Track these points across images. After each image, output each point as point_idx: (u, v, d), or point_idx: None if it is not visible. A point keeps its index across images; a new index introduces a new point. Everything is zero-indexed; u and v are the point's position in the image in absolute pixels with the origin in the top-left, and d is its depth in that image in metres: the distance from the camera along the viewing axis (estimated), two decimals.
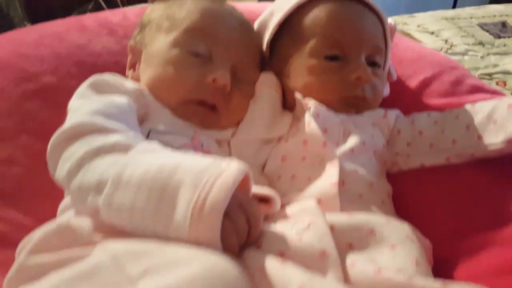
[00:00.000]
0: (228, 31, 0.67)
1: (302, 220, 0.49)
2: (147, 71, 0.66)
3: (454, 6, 2.90)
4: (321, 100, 0.65)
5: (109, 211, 0.42)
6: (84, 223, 0.46)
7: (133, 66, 0.72)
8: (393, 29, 0.75)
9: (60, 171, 0.49)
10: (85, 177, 0.45)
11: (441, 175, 0.66)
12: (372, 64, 0.69)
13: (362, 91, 0.67)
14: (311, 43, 0.67)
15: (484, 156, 0.63)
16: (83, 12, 2.34)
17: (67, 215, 0.52)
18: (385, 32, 0.73)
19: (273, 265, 0.40)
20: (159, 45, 0.66)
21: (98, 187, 0.43)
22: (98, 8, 1.96)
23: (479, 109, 0.64)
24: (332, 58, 0.67)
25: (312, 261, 0.43)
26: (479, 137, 0.61)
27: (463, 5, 2.23)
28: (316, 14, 0.69)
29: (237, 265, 0.37)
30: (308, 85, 0.67)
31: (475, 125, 0.62)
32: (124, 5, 1.95)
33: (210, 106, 0.64)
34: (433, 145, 0.66)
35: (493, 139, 0.60)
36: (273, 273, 0.40)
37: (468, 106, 0.66)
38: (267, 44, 0.74)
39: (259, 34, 0.75)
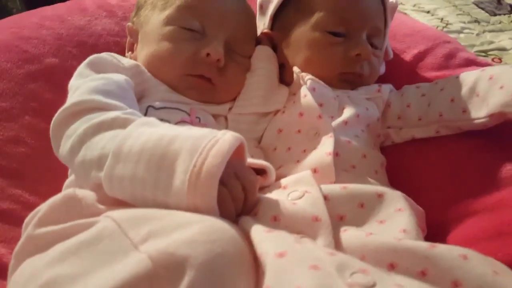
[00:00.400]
0: (221, 6, 0.68)
1: (297, 189, 0.50)
2: (144, 49, 0.68)
3: None
4: (319, 75, 0.67)
5: (111, 183, 0.43)
6: (89, 194, 0.47)
7: (131, 48, 0.74)
8: (395, 7, 0.76)
9: (63, 148, 0.50)
10: (87, 152, 0.47)
11: (432, 145, 0.68)
12: (371, 45, 0.70)
13: (361, 68, 0.69)
14: (317, 16, 0.69)
15: (470, 129, 0.64)
16: None
17: (72, 188, 0.53)
18: (385, 12, 0.74)
19: (257, 232, 0.40)
20: (154, 23, 0.67)
21: (100, 161, 0.45)
22: None
23: (463, 81, 0.65)
24: (336, 34, 0.68)
25: (304, 226, 0.44)
26: (464, 110, 0.63)
27: None
28: None
29: (234, 226, 0.38)
30: (309, 58, 0.69)
31: (460, 98, 0.64)
32: None
33: (206, 80, 0.65)
34: (421, 118, 0.68)
35: (477, 113, 0.61)
36: (257, 240, 0.39)
37: (452, 78, 0.67)
38: (270, 16, 0.75)
39: (250, 7, 0.75)
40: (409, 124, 0.69)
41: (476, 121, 0.61)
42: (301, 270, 0.33)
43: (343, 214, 0.48)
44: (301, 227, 0.44)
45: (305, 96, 0.63)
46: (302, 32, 0.70)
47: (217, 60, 0.64)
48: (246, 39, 0.72)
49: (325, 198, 0.48)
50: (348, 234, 0.45)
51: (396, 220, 0.48)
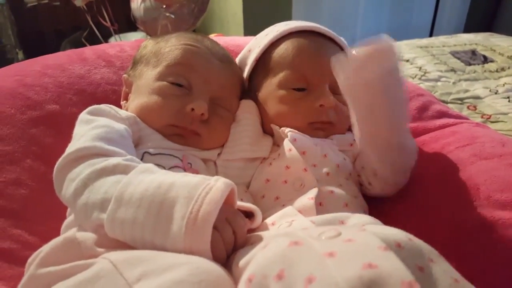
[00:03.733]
0: (207, 65, 0.73)
1: (284, 221, 0.55)
2: (136, 100, 0.73)
3: (430, 35, 3.03)
4: (292, 126, 0.72)
5: (112, 226, 0.48)
6: (88, 236, 0.51)
7: (126, 97, 0.79)
8: None
9: (66, 190, 0.54)
10: (90, 195, 0.51)
11: (412, 189, 0.72)
12: (337, 92, 0.75)
13: (327, 116, 0.74)
14: (280, 75, 0.75)
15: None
16: (75, 40, 2.41)
17: (72, 231, 0.56)
18: None
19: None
20: (146, 77, 0.73)
21: (103, 205, 0.49)
22: (89, 36, 2.03)
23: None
24: (299, 89, 0.74)
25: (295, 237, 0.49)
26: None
27: (439, 34, 2.36)
28: (285, 49, 0.77)
29: (220, 267, 0.43)
30: (280, 113, 0.75)
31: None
32: (116, 33, 2.02)
33: (191, 131, 0.70)
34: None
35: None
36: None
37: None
38: (246, 78, 0.82)
39: (237, 66, 0.82)
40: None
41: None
42: None
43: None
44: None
45: (290, 150, 0.68)
46: (271, 91, 0.76)
47: (201, 114, 0.69)
48: (230, 95, 0.77)
49: (311, 222, 0.54)
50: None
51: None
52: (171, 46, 0.74)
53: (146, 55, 0.77)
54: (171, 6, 1.56)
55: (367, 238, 0.38)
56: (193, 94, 0.71)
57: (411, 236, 0.41)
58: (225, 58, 0.78)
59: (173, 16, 1.55)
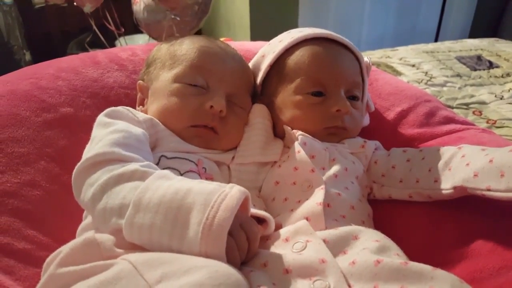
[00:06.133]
0: (222, 64, 0.75)
1: (298, 239, 0.56)
2: (154, 104, 0.74)
3: (436, 40, 3.04)
4: (306, 131, 0.74)
5: (131, 230, 0.49)
6: (107, 238, 0.52)
7: (142, 103, 0.80)
8: (369, 66, 0.85)
9: (84, 194, 0.56)
10: (109, 200, 0.52)
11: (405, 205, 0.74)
12: (351, 97, 0.78)
13: (342, 121, 0.76)
14: (297, 81, 0.77)
15: (438, 198, 0.69)
16: (82, 42, 2.43)
17: (91, 232, 0.57)
18: (361, 69, 0.82)
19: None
20: (163, 80, 0.75)
21: (121, 210, 0.50)
22: (95, 38, 2.04)
23: (442, 154, 0.70)
24: (315, 94, 0.76)
25: (314, 270, 0.50)
26: (436, 180, 0.68)
27: (444, 39, 2.37)
28: (300, 56, 0.78)
29: (237, 271, 0.44)
30: (295, 117, 0.76)
31: (435, 169, 0.69)
32: (120, 36, 2.04)
33: (210, 129, 0.72)
34: (402, 181, 0.73)
35: (445, 184, 0.66)
36: None
37: (434, 149, 0.72)
38: (259, 82, 0.83)
39: (248, 66, 0.84)
40: (391, 183, 0.75)
41: (444, 191, 0.66)
42: None
43: (344, 250, 0.55)
44: (312, 272, 0.50)
45: (299, 152, 0.69)
46: (286, 96, 0.78)
47: (220, 111, 0.71)
48: (244, 92, 0.80)
49: (324, 241, 0.55)
50: (357, 266, 0.50)
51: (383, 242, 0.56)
52: (187, 48, 0.76)
53: (161, 58, 0.78)
54: (176, 8, 1.57)
55: None
56: (211, 93, 0.73)
57: None
58: (237, 57, 0.81)
59: (178, 18, 1.56)
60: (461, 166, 0.64)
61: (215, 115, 0.72)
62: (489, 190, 0.58)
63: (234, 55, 0.80)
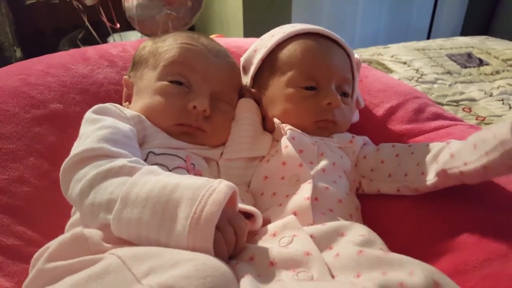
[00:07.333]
0: (204, 62, 0.75)
1: (285, 234, 0.57)
2: (139, 101, 0.74)
3: (428, 37, 3.06)
4: (296, 125, 0.75)
5: (119, 225, 0.49)
6: (95, 232, 0.52)
7: (128, 99, 0.80)
8: (359, 63, 0.86)
9: (72, 190, 0.55)
10: (96, 196, 0.52)
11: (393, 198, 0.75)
12: (342, 93, 0.79)
13: (333, 115, 0.76)
14: (289, 74, 0.77)
15: (424, 191, 0.70)
16: (74, 38, 2.41)
17: (79, 228, 0.57)
18: (352, 65, 0.83)
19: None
20: (147, 78, 0.75)
21: (109, 205, 0.50)
22: (87, 35, 2.03)
23: (431, 149, 0.70)
24: (307, 88, 0.76)
25: (298, 262, 0.51)
26: (422, 173, 0.69)
27: (437, 37, 2.38)
28: (293, 50, 0.79)
29: (225, 264, 0.44)
30: (286, 110, 0.77)
31: (423, 162, 0.69)
32: (114, 32, 2.03)
33: (196, 127, 0.72)
34: (391, 175, 0.74)
35: (430, 175, 0.67)
36: None
37: (423, 144, 0.73)
38: (251, 76, 0.84)
39: (234, 61, 0.84)
40: (379, 178, 0.76)
41: (428, 182, 0.67)
42: None
43: (330, 245, 0.56)
44: (296, 264, 0.51)
45: (286, 147, 0.70)
46: (278, 89, 0.78)
47: (203, 111, 0.71)
48: (230, 88, 0.79)
49: (311, 236, 0.55)
50: (341, 257, 0.52)
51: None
52: (168, 45, 0.76)
53: (145, 56, 0.78)
54: (173, 3, 1.57)
55: None
56: (194, 92, 0.73)
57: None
58: (221, 53, 0.80)
59: (174, 14, 1.56)
60: (446, 156, 0.65)
61: (199, 115, 0.72)
62: (465, 164, 0.60)
63: (218, 51, 0.79)
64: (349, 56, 0.83)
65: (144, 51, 0.80)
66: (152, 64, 0.75)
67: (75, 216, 0.62)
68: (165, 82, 0.72)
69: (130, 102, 0.79)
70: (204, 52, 0.76)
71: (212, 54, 0.77)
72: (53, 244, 0.52)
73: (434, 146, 0.70)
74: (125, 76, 0.81)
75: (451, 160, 0.63)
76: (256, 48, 0.85)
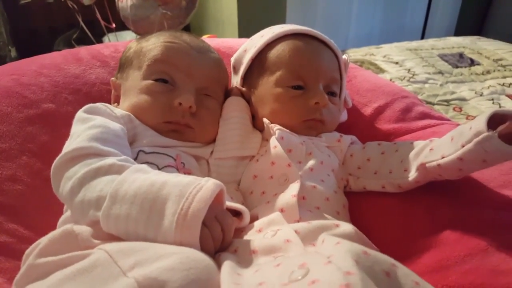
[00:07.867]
0: (187, 59, 0.76)
1: (270, 229, 0.58)
2: (126, 101, 0.75)
3: (422, 37, 3.08)
4: (285, 124, 0.76)
5: (108, 221, 0.50)
6: (85, 229, 0.53)
7: (116, 100, 0.81)
8: (347, 63, 0.87)
9: (63, 188, 0.57)
10: (86, 193, 0.53)
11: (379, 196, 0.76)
12: (329, 93, 0.81)
13: (320, 114, 0.78)
14: (277, 74, 0.79)
15: (407, 187, 0.71)
16: (69, 38, 2.42)
17: (69, 224, 0.58)
18: (340, 66, 0.85)
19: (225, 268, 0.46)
20: (133, 78, 0.76)
21: (98, 202, 0.52)
22: (82, 34, 2.04)
23: (415, 146, 0.71)
24: (295, 87, 0.78)
25: (278, 249, 0.52)
26: (405, 170, 0.70)
27: (431, 37, 2.40)
28: (281, 50, 0.80)
29: (210, 258, 0.45)
30: (274, 110, 0.78)
31: (407, 159, 0.70)
32: (109, 32, 2.03)
33: (183, 124, 0.73)
34: (376, 172, 0.75)
35: (412, 171, 0.69)
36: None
37: (407, 142, 0.74)
38: (241, 76, 0.85)
39: (219, 58, 0.85)
40: (366, 175, 0.77)
41: (410, 178, 0.69)
42: None
43: (313, 242, 0.56)
44: (275, 250, 0.52)
45: (275, 147, 0.71)
46: (267, 89, 0.80)
47: (189, 107, 0.72)
48: (215, 83, 0.80)
49: (296, 232, 0.56)
50: (322, 248, 0.51)
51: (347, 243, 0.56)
52: (151, 45, 0.77)
53: (130, 57, 0.79)
54: (167, 3, 1.58)
55: (332, 277, 0.38)
56: (179, 89, 0.74)
57: (367, 249, 0.43)
58: (204, 49, 0.81)
59: (169, 13, 1.57)
60: (426, 152, 0.67)
61: (185, 112, 0.73)
62: (443, 157, 0.62)
63: (201, 48, 0.80)
64: (337, 56, 0.84)
65: (129, 52, 0.81)
66: (137, 64, 0.77)
67: (67, 214, 0.63)
68: (150, 81, 0.74)
69: (118, 104, 0.80)
70: (186, 49, 0.77)
71: (194, 50, 0.78)
72: (43, 240, 0.53)
73: (418, 144, 0.72)
74: (113, 78, 0.83)
75: (430, 154, 0.65)
76: (246, 48, 0.87)
